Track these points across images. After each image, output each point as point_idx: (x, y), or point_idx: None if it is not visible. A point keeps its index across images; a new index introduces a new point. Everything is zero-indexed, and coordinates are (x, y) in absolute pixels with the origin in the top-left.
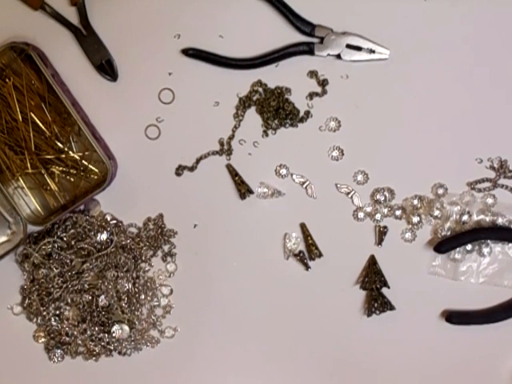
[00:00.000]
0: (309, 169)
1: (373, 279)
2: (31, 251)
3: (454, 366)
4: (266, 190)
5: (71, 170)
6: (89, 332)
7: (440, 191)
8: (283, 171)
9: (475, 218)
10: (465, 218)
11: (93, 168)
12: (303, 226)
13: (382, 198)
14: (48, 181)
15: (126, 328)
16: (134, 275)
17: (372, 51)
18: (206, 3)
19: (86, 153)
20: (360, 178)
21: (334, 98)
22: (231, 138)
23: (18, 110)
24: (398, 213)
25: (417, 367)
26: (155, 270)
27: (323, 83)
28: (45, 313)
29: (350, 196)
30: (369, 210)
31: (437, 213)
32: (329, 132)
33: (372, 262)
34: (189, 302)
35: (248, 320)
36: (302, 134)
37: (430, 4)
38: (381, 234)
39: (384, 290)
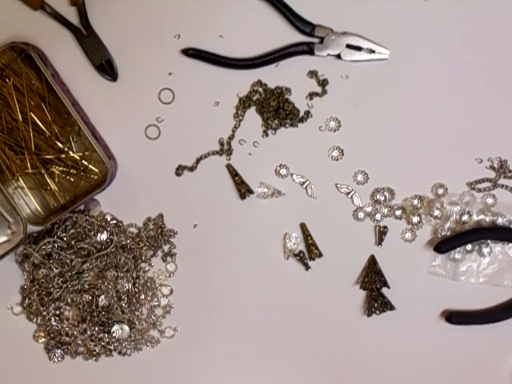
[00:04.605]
0: (309, 169)
1: (373, 279)
2: (31, 251)
3: (454, 366)
4: (265, 189)
5: (71, 170)
6: (89, 332)
7: (440, 191)
8: (283, 171)
9: (475, 218)
10: (465, 218)
11: (93, 168)
12: (303, 226)
13: (382, 198)
14: (48, 181)
15: (126, 328)
16: (134, 275)
17: (372, 51)
18: (205, 3)
19: (86, 153)
20: (360, 178)
21: (334, 98)
22: (231, 138)
23: (18, 110)
24: (398, 213)
25: (417, 367)
26: (155, 270)
27: (323, 83)
28: (45, 313)
29: (350, 196)
30: (369, 210)
31: (437, 213)
32: (329, 132)
33: (372, 262)
34: (189, 302)
35: (248, 320)
36: (302, 134)
37: (430, 4)
38: (381, 234)
39: (384, 290)
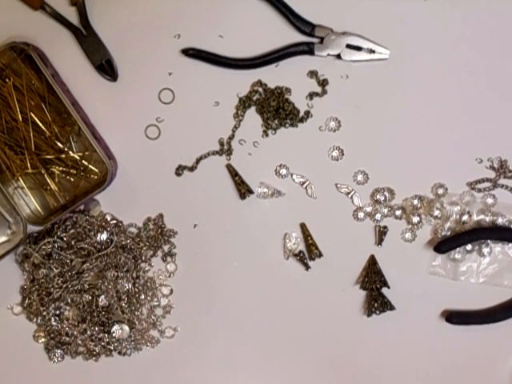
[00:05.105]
0: (309, 169)
1: (373, 279)
2: (31, 251)
3: (454, 366)
4: (265, 189)
5: (71, 170)
6: (89, 332)
7: (440, 191)
8: (283, 171)
9: (475, 218)
10: (465, 218)
11: (93, 168)
12: (303, 226)
13: (382, 198)
14: (48, 181)
15: (126, 328)
16: (134, 275)
17: (372, 51)
18: (205, 3)
19: (86, 153)
20: (360, 178)
21: (333, 98)
22: (231, 138)
23: (17, 110)
24: (398, 213)
25: (417, 367)
26: (155, 270)
27: (323, 83)
28: (45, 313)
29: (350, 196)
30: (369, 210)
31: (437, 213)
32: (329, 132)
33: (372, 262)
34: (189, 302)
35: (248, 320)
36: (302, 134)
37: (430, 4)
38: (381, 234)
39: (384, 290)
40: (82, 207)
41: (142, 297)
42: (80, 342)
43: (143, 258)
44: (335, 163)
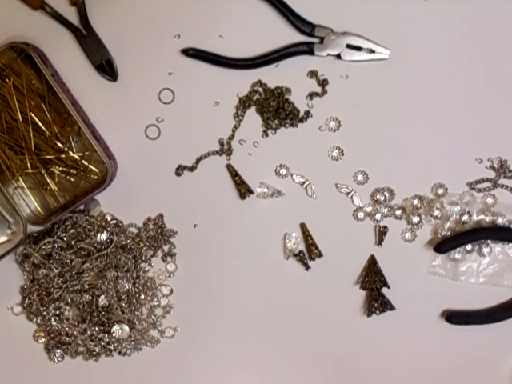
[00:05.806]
0: (309, 169)
1: (373, 279)
2: (31, 251)
3: (453, 366)
4: (265, 190)
5: (71, 170)
6: (89, 332)
7: (440, 191)
8: (283, 171)
9: (475, 218)
10: (465, 218)
11: (93, 168)
12: (303, 226)
13: (382, 198)
14: (48, 181)
15: (126, 328)
16: (134, 275)
17: (372, 51)
18: (205, 3)
19: (86, 153)
20: (360, 178)
21: (333, 98)
22: (231, 138)
23: (18, 110)
24: (398, 213)
25: (417, 367)
26: (155, 270)
27: (323, 83)
28: (45, 313)
29: (350, 196)
30: (369, 210)
31: (437, 213)
32: (329, 132)
33: (372, 262)
34: (189, 302)
35: (248, 320)
36: (302, 134)
37: (430, 4)
38: (381, 234)
39: (384, 290)
40: (82, 207)
41: (142, 297)
42: (80, 341)
43: (143, 258)
44: (335, 163)
